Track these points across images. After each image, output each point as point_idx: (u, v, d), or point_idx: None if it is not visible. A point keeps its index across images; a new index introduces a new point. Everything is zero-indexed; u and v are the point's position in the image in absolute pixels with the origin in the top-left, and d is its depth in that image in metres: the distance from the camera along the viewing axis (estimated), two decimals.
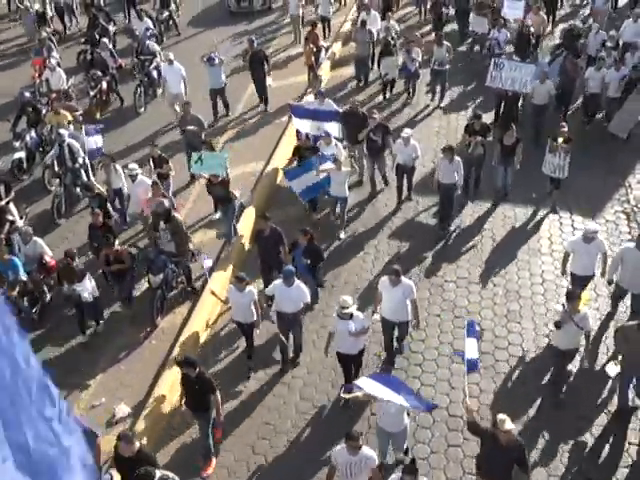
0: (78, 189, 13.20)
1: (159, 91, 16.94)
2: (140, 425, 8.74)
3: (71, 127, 13.91)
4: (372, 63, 17.56)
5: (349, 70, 17.95)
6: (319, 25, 18.41)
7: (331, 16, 19.79)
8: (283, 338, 9.58)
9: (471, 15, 18.28)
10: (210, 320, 10.64)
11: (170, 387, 9.25)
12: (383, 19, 18.01)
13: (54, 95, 15.19)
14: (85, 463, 3.76)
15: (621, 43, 16.23)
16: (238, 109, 16.56)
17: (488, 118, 14.56)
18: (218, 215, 12.40)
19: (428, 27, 19.85)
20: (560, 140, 11.88)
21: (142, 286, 11.16)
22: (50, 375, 3.54)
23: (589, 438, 8.57)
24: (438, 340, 10.08)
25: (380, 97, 16.73)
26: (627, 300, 10.12)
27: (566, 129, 12.15)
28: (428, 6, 20.48)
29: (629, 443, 8.49)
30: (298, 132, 14.04)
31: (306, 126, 13.60)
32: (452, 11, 19.27)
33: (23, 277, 10.29)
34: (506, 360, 9.69)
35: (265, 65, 15.81)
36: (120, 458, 7.22)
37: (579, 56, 15.76)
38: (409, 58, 15.87)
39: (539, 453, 8.39)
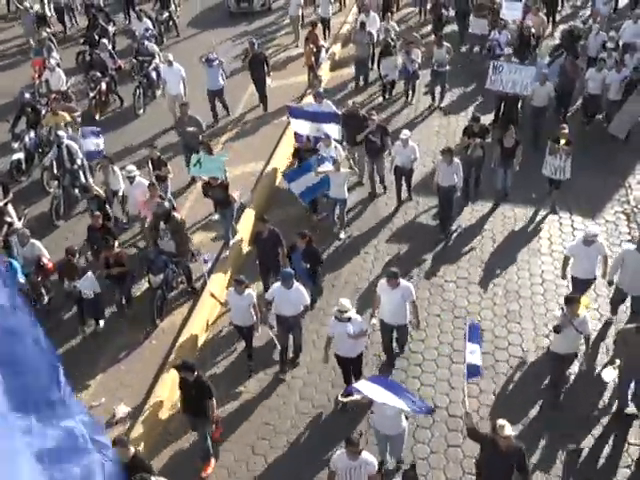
0: (77, 190, 13.20)
1: (158, 92, 16.93)
2: (137, 430, 8.72)
3: (69, 129, 13.94)
4: (372, 64, 17.57)
5: (349, 71, 17.96)
6: (319, 25, 18.42)
7: (331, 17, 19.79)
8: (278, 343, 9.57)
9: (471, 17, 18.29)
10: (210, 320, 10.64)
11: (169, 391, 9.24)
12: (383, 20, 18.02)
13: (53, 96, 15.18)
14: (94, 438, 3.80)
15: (621, 44, 16.24)
16: (238, 109, 16.56)
17: (488, 119, 14.57)
18: (217, 216, 12.41)
19: (428, 28, 19.86)
20: (562, 142, 11.89)
21: (142, 286, 11.16)
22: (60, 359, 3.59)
23: (589, 439, 8.56)
24: (438, 340, 10.07)
25: (380, 98, 16.74)
26: (627, 301, 10.10)
27: (567, 131, 12.14)
28: (428, 7, 20.50)
29: (629, 443, 8.49)
30: (296, 134, 14.01)
31: (304, 128, 13.51)
32: (452, 12, 19.28)
33: (21, 279, 10.27)
34: (506, 360, 9.69)
35: (265, 67, 15.81)
36: None
37: (578, 57, 15.78)
38: (408, 59, 15.87)
39: (539, 454, 8.37)
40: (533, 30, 16.82)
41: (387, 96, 16.71)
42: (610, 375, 9.25)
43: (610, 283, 9.90)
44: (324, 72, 17.61)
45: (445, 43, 15.91)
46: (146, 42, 17.32)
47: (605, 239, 11.39)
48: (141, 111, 16.51)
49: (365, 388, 7.38)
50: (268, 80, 16.07)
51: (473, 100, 16.50)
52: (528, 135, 14.01)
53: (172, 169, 12.76)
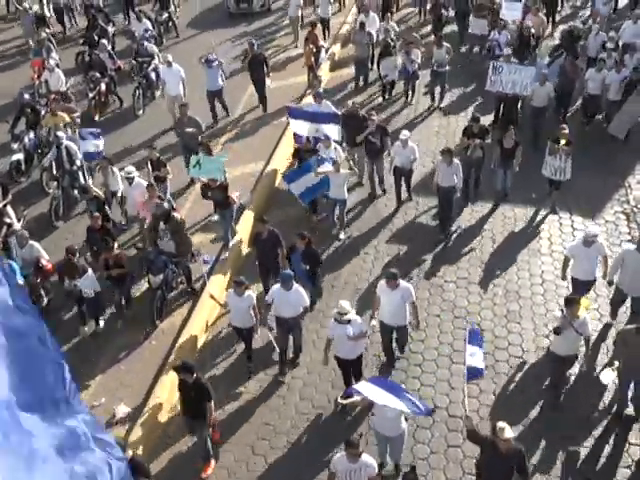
0: (76, 191, 13.18)
1: (157, 93, 16.92)
2: (135, 433, 8.71)
3: (69, 130, 13.92)
4: (372, 64, 17.57)
5: (348, 71, 17.96)
6: (318, 26, 18.42)
7: (330, 17, 19.79)
8: (277, 346, 9.56)
9: (470, 17, 18.29)
10: (210, 321, 10.62)
11: (168, 393, 9.23)
12: (382, 20, 18.02)
13: (53, 96, 15.17)
14: (97, 437, 3.79)
15: (620, 44, 16.24)
16: (237, 110, 16.56)
17: (487, 120, 14.57)
18: (217, 217, 12.39)
19: (428, 28, 19.86)
20: (562, 142, 11.89)
21: (142, 286, 11.15)
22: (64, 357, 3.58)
23: (589, 439, 8.56)
24: (438, 340, 10.07)
25: (379, 98, 16.73)
26: (627, 301, 10.09)
27: (567, 131, 12.14)
28: (428, 7, 20.50)
29: (629, 443, 8.49)
30: (296, 135, 13.99)
31: (304, 128, 13.49)
32: (452, 13, 19.28)
33: (20, 281, 10.24)
34: (506, 360, 9.68)
35: (265, 67, 15.81)
36: None
37: (578, 57, 15.78)
38: (408, 59, 15.87)
39: (539, 455, 8.37)
40: (533, 30, 16.84)
41: (387, 96, 16.70)
42: (609, 377, 9.24)
43: (610, 283, 9.89)
44: (324, 72, 17.60)
45: (445, 43, 15.92)
46: (145, 43, 17.32)
47: (605, 239, 11.39)
48: (140, 112, 16.50)
49: (365, 390, 7.37)
50: (268, 81, 16.07)
51: (473, 100, 16.50)
52: (528, 135, 14.01)
53: (171, 170, 12.75)
